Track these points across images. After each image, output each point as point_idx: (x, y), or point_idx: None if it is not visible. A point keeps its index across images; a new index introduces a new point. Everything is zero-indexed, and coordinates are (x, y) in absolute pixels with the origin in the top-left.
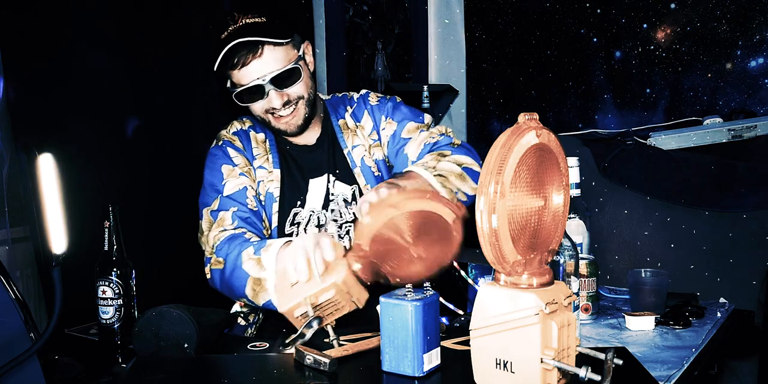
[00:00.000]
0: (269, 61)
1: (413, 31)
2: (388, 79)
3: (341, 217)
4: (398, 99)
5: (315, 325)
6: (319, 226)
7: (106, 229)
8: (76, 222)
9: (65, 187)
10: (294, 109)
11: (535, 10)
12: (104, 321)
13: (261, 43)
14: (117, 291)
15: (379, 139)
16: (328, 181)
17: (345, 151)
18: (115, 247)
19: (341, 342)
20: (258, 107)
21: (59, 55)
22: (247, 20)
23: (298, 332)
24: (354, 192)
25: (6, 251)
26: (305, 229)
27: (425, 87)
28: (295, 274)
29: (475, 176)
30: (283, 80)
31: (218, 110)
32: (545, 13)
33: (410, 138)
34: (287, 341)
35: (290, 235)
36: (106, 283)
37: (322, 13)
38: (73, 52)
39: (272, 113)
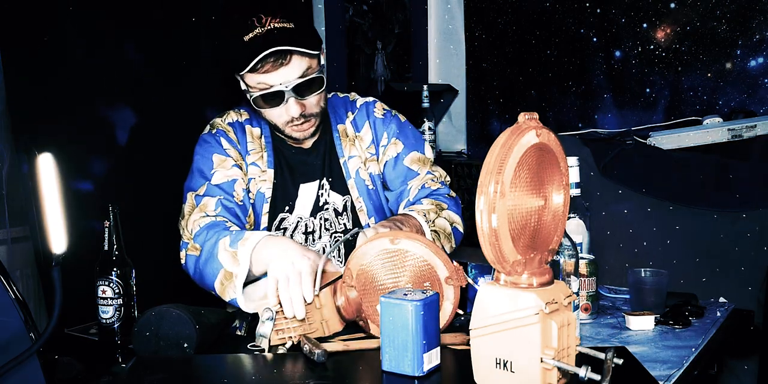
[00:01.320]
0: (295, 69)
1: (413, 30)
2: (388, 79)
3: (331, 226)
4: (402, 118)
5: (269, 320)
6: (306, 233)
7: (106, 229)
8: (76, 222)
9: (65, 187)
10: (309, 121)
11: (534, 9)
12: (104, 321)
13: (291, 51)
14: (117, 291)
15: (377, 154)
16: (320, 188)
17: (341, 160)
18: (115, 246)
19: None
20: (275, 116)
21: (59, 55)
22: (276, 24)
23: (257, 330)
24: (346, 203)
25: (6, 251)
26: (291, 236)
27: (425, 86)
28: (272, 298)
29: (457, 236)
30: (305, 89)
31: (220, 109)
32: (545, 13)
33: (415, 173)
34: (252, 344)
35: None
36: (106, 283)
37: (322, 12)
38: (73, 53)
39: (290, 123)
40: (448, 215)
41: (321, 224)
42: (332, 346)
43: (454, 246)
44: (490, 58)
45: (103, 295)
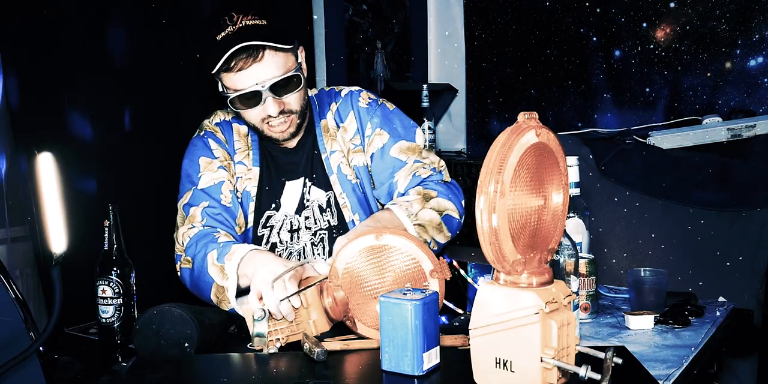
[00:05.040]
0: (270, 66)
1: (413, 30)
2: (388, 78)
3: (315, 224)
4: (390, 106)
5: (263, 320)
6: (291, 230)
7: (106, 229)
8: (76, 222)
9: (65, 186)
10: (288, 118)
11: (534, 9)
12: (104, 320)
13: (263, 47)
14: (117, 290)
15: (363, 144)
16: (304, 186)
17: (323, 156)
18: (115, 246)
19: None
20: (254, 115)
21: (58, 55)
22: (247, 21)
23: (252, 332)
24: (329, 199)
25: (6, 250)
26: (278, 233)
27: (425, 86)
28: (255, 302)
29: (451, 224)
30: (282, 87)
31: (218, 108)
32: (545, 13)
33: (403, 162)
34: (251, 344)
35: (261, 237)
36: (106, 283)
37: (322, 12)
38: (72, 52)
39: (267, 122)
40: (437, 204)
41: (303, 222)
42: (332, 345)
43: (449, 235)
44: (489, 58)
45: (103, 295)
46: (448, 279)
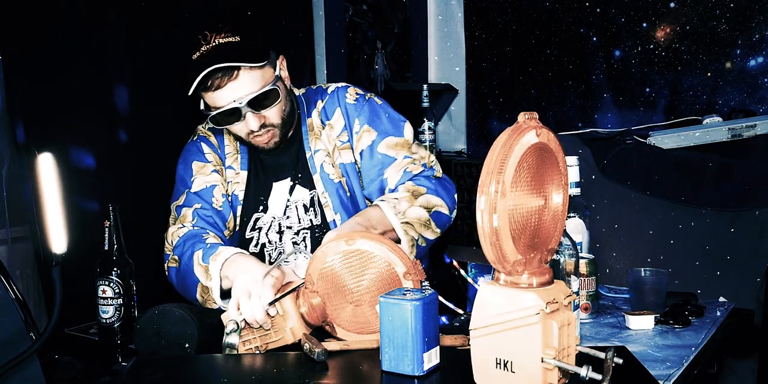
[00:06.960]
0: (246, 83)
1: (413, 30)
2: (388, 78)
3: (299, 223)
4: (378, 101)
5: (233, 332)
6: (279, 232)
7: (106, 229)
8: (76, 222)
9: (65, 187)
10: (270, 131)
11: (534, 9)
12: (104, 320)
13: (238, 67)
14: (117, 290)
15: (350, 141)
16: (291, 186)
17: (308, 155)
18: (115, 246)
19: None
20: (237, 130)
21: (59, 55)
22: (220, 40)
23: (224, 341)
24: (313, 198)
25: (6, 251)
26: (266, 234)
27: (425, 86)
28: (233, 311)
29: (440, 219)
30: (260, 102)
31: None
32: (545, 13)
33: (392, 159)
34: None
35: (250, 240)
36: (106, 283)
37: (322, 12)
38: (73, 53)
39: (252, 135)
40: (426, 201)
41: (286, 222)
42: (332, 345)
43: (438, 231)
44: (490, 58)
45: (103, 295)
46: (423, 280)
